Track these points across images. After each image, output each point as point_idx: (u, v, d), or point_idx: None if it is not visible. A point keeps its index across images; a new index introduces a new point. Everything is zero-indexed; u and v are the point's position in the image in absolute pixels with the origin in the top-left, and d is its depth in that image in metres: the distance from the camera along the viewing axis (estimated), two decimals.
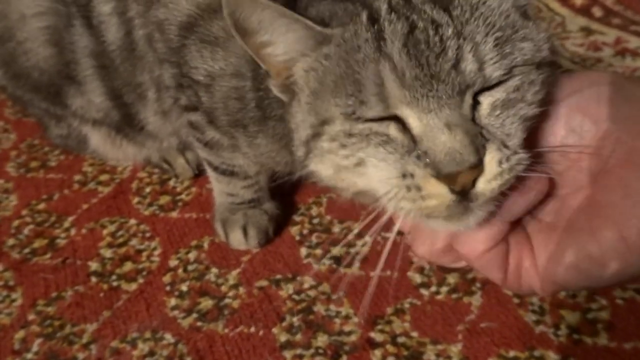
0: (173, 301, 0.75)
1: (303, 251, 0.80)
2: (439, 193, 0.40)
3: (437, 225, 0.43)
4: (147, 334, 0.71)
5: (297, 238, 0.82)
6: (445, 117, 0.40)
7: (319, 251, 0.79)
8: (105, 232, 0.87)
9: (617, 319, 0.66)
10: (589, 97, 0.43)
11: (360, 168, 0.44)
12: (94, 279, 0.80)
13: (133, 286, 0.78)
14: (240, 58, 0.61)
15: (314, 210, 0.86)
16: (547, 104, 0.44)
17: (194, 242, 0.83)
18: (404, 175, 0.41)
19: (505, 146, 0.41)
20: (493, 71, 0.41)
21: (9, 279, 0.81)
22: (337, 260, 0.77)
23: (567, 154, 0.44)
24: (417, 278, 0.74)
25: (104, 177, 0.98)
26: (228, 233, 0.80)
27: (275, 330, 0.70)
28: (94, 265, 0.82)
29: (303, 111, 0.47)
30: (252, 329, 0.70)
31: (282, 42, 0.46)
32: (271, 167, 0.74)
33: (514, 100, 0.42)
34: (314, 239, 0.81)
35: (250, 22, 0.44)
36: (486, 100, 0.42)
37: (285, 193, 0.87)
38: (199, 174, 0.94)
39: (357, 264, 0.76)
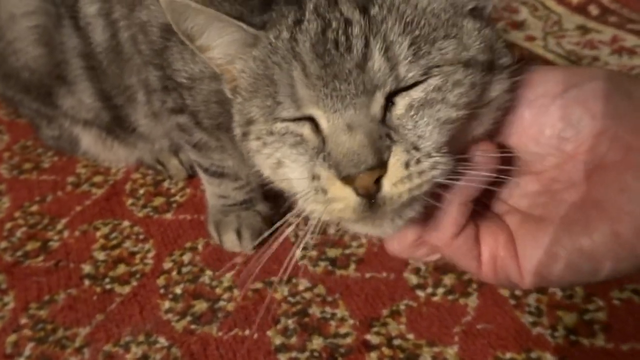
0: (167, 304, 0.75)
1: (298, 253, 0.79)
2: (343, 196, 0.39)
3: (356, 228, 0.42)
4: (141, 338, 0.71)
5: (292, 240, 0.81)
6: (349, 117, 0.39)
7: (314, 253, 0.79)
8: (98, 234, 0.87)
9: (615, 320, 0.66)
10: (588, 92, 0.42)
11: (280, 169, 0.44)
12: (87, 282, 0.79)
13: (126, 289, 0.77)
14: None
15: None
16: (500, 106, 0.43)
17: (188, 244, 0.83)
18: (313, 177, 0.40)
19: (416, 148, 0.39)
20: (407, 71, 0.40)
21: (1, 282, 0.80)
22: (333, 262, 0.77)
23: (563, 147, 0.43)
24: (413, 279, 0.73)
25: (97, 179, 0.97)
26: (221, 235, 0.80)
27: (270, 333, 0.69)
28: (87, 268, 0.81)
29: (235, 111, 0.48)
30: (247, 332, 0.70)
31: (218, 45, 0.47)
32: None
33: (433, 101, 0.40)
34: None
35: (190, 27, 0.45)
36: (402, 100, 0.40)
37: (279, 193, 0.86)
38: (192, 174, 0.93)
39: (352, 266, 0.76)
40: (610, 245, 0.39)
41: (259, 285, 0.75)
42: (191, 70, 0.64)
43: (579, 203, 0.42)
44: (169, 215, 0.88)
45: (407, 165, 0.38)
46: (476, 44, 0.42)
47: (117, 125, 0.88)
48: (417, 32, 0.40)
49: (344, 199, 0.39)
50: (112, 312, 0.74)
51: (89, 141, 0.94)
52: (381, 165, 0.38)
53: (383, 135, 0.39)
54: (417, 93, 0.40)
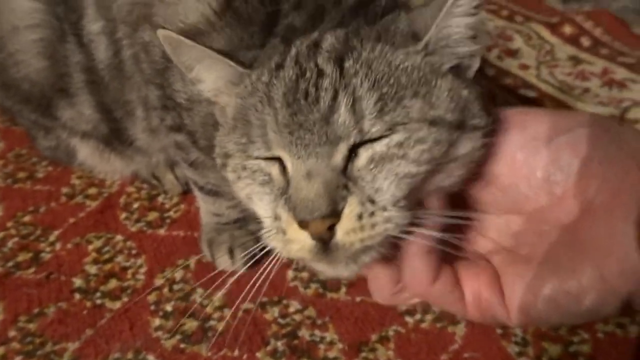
0: (157, 321, 0.75)
1: (290, 274, 0.80)
2: (299, 239, 0.41)
3: (316, 267, 0.44)
4: (130, 355, 0.71)
5: (284, 261, 0.82)
6: (310, 165, 0.41)
7: (305, 274, 0.79)
8: (91, 247, 0.87)
9: (599, 352, 0.67)
10: (578, 137, 0.44)
11: (251, 203, 0.47)
12: (77, 296, 0.79)
13: (117, 304, 0.78)
14: None
15: None
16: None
17: (180, 261, 0.83)
18: (275, 217, 0.43)
19: (372, 201, 0.41)
20: (371, 126, 0.41)
21: None
22: (324, 284, 0.78)
23: (552, 190, 0.45)
24: (402, 305, 0.74)
25: (92, 191, 0.98)
26: (214, 254, 0.80)
27: (259, 354, 0.70)
28: (78, 282, 0.81)
29: (217, 142, 0.50)
30: (236, 353, 0.70)
31: (207, 78, 0.50)
32: None
33: (394, 156, 0.42)
34: (301, 262, 0.81)
35: (184, 60, 0.49)
36: (365, 153, 0.42)
37: None
38: (187, 190, 0.94)
39: (343, 289, 0.77)
40: (597, 288, 0.40)
41: (250, 305, 0.76)
42: (190, 92, 0.65)
43: (567, 244, 0.43)
44: (162, 231, 0.89)
45: (360, 217, 0.40)
46: (445, 104, 0.43)
47: (115, 137, 0.88)
48: (385, 89, 0.42)
49: (300, 241, 0.41)
50: (102, 328, 0.75)
51: (86, 152, 0.95)
52: (334, 215, 0.40)
53: (341, 186, 0.41)
54: (379, 147, 0.42)
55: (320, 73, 0.43)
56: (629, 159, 0.42)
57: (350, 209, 0.40)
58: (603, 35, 1.21)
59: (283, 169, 0.44)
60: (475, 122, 0.44)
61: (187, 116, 0.68)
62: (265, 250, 0.50)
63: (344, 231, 0.40)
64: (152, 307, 0.77)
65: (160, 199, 0.95)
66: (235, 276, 0.79)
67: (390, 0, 0.56)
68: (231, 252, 0.79)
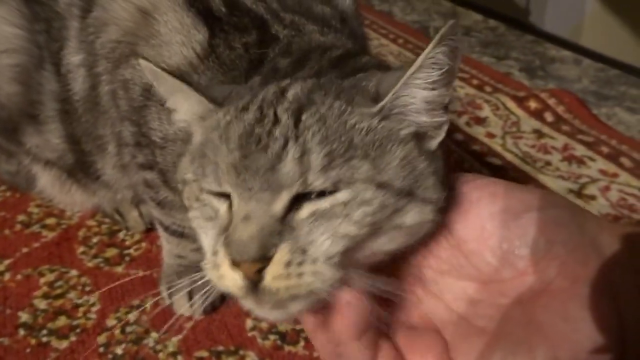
0: None
1: (249, 323, 0.78)
2: (231, 276, 0.42)
3: (247, 305, 0.44)
4: None
5: (244, 309, 0.80)
6: (249, 208, 0.42)
7: (264, 325, 0.78)
8: (42, 280, 0.83)
9: None
10: (548, 218, 0.45)
11: (198, 232, 0.48)
12: (22, 332, 0.75)
13: (64, 344, 0.74)
14: None
15: None
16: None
17: (136, 302, 0.80)
18: (214, 252, 0.44)
19: (303, 252, 0.41)
20: (315, 179, 0.42)
21: None
22: (283, 336, 0.76)
23: (515, 263, 0.46)
24: None
25: (50, 221, 0.95)
26: (173, 297, 0.78)
27: None
28: (24, 316, 0.77)
29: (179, 168, 0.52)
30: None
31: (180, 109, 0.51)
32: None
33: (335, 214, 0.42)
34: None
35: (162, 90, 0.51)
36: (308, 207, 0.42)
37: None
38: (151, 227, 0.92)
39: (302, 343, 0.75)
40: None
41: (204, 353, 0.74)
42: (166, 131, 0.65)
43: (523, 321, 0.44)
44: (120, 269, 0.86)
45: (288, 264, 0.41)
46: (394, 171, 0.44)
47: (80, 169, 0.86)
48: (334, 146, 0.42)
49: (231, 279, 0.42)
50: None
51: (46, 181, 0.92)
52: (264, 259, 0.41)
53: (275, 232, 0.42)
54: (323, 204, 0.42)
55: (276, 121, 0.44)
56: (590, 247, 0.44)
57: (280, 255, 0.41)
58: (565, 113, 1.28)
59: (230, 207, 0.44)
60: (426, 195, 0.44)
61: (160, 154, 0.67)
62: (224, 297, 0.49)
63: (271, 276, 0.41)
64: (101, 349, 0.73)
65: (121, 235, 0.93)
66: (193, 321, 0.77)
67: (374, 59, 0.59)
68: (190, 297, 0.77)
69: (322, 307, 0.44)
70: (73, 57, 0.75)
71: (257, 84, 0.52)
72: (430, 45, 0.42)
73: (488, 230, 0.46)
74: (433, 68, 0.43)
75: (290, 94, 0.46)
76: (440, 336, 0.47)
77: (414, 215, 0.44)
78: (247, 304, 0.44)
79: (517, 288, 0.45)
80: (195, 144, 0.50)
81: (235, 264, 0.41)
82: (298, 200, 0.42)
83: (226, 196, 0.45)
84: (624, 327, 0.42)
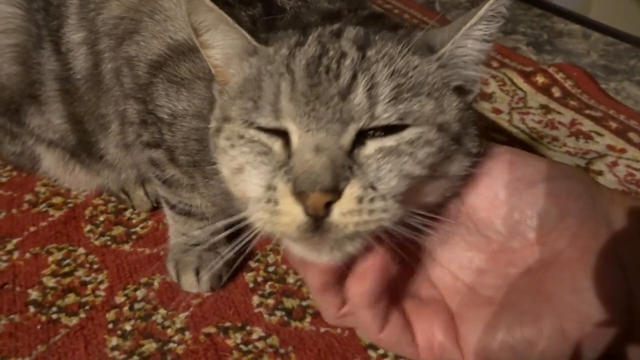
0: (114, 341, 0.72)
1: (255, 299, 0.79)
2: (291, 211, 0.40)
3: (296, 249, 0.43)
4: None
5: (251, 285, 0.81)
6: (319, 139, 0.41)
7: (271, 301, 0.78)
8: (50, 259, 0.84)
9: None
10: (562, 188, 0.45)
11: (240, 175, 0.45)
12: (32, 309, 0.76)
13: (73, 320, 0.75)
14: (203, 100, 0.62)
15: (271, 258, 0.85)
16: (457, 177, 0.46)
17: (143, 279, 0.81)
18: (269, 187, 0.42)
19: (373, 188, 0.41)
20: (383, 112, 0.42)
21: None
22: (289, 312, 0.77)
23: (526, 233, 0.46)
24: (366, 338, 0.74)
25: (56, 200, 0.95)
26: (180, 274, 0.79)
27: None
28: (34, 294, 0.78)
29: (217, 106, 0.50)
30: None
31: (220, 45, 0.49)
32: (227, 208, 0.73)
33: (402, 153, 0.42)
34: (267, 287, 0.81)
35: (199, 22, 0.48)
36: (373, 143, 0.42)
37: (244, 238, 0.86)
38: (157, 206, 0.92)
39: (308, 319, 0.76)
40: (556, 340, 0.41)
41: (212, 329, 0.74)
42: (174, 107, 0.65)
43: (530, 292, 0.44)
44: (127, 247, 0.87)
45: (360, 200, 0.40)
46: (451, 115, 0.45)
47: (83, 149, 0.86)
48: (402, 81, 0.43)
49: (291, 214, 0.40)
50: (55, 345, 0.72)
51: (50, 162, 0.92)
52: (336, 192, 0.40)
53: (345, 166, 0.41)
54: (390, 141, 0.43)
55: (343, 54, 0.44)
56: (601, 219, 0.44)
57: (352, 190, 0.40)
58: (573, 88, 1.26)
59: (285, 142, 0.43)
60: (469, 145, 0.46)
61: (168, 131, 0.67)
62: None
63: (341, 211, 0.40)
64: (110, 326, 0.74)
65: (127, 213, 0.93)
66: (200, 298, 0.78)
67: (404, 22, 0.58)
68: (197, 274, 0.78)
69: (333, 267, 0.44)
70: (73, 35, 0.74)
71: (294, 32, 0.50)
72: None
73: (500, 198, 0.46)
74: (491, 20, 0.44)
75: (347, 34, 0.46)
76: (446, 306, 0.47)
77: (458, 165, 0.45)
78: (296, 247, 0.43)
79: (526, 258, 0.45)
80: (237, 81, 0.48)
81: (303, 197, 0.39)
82: (361, 137, 0.42)
83: (279, 133, 0.43)
84: (632, 299, 0.42)
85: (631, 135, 1.11)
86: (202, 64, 0.61)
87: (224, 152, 0.47)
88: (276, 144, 0.44)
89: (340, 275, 0.45)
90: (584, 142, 1.10)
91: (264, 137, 0.44)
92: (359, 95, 0.42)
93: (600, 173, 1.02)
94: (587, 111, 1.19)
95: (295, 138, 0.43)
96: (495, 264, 0.47)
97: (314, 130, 0.41)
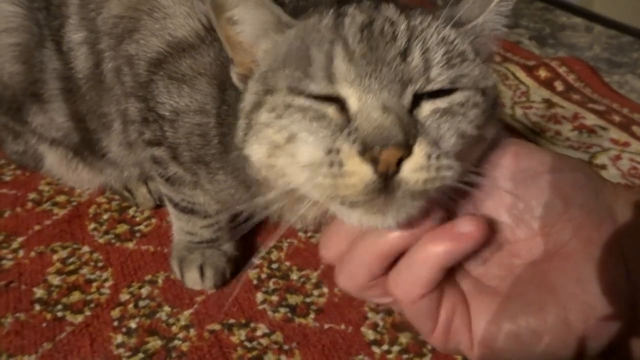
0: (120, 338, 0.73)
1: (259, 296, 0.79)
2: (360, 171, 0.39)
3: (352, 216, 0.42)
4: None
5: (255, 282, 0.81)
6: (383, 99, 0.42)
7: (275, 298, 0.79)
8: (55, 257, 0.84)
9: None
10: (567, 180, 0.45)
11: (290, 145, 0.44)
12: (37, 307, 0.77)
13: (79, 318, 0.75)
14: (205, 95, 0.62)
15: (274, 255, 0.86)
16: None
17: (148, 277, 0.81)
18: (329, 151, 0.41)
19: (437, 146, 0.42)
20: (438, 75, 0.43)
21: None
22: (293, 309, 0.77)
23: (531, 224, 0.46)
24: (370, 334, 0.74)
25: (60, 198, 0.95)
26: (184, 272, 0.79)
27: None
28: (39, 292, 0.79)
29: (254, 82, 0.49)
30: None
31: (250, 21, 0.48)
32: (231, 205, 0.74)
33: (456, 113, 0.44)
34: (271, 284, 0.81)
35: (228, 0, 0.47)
36: (427, 105, 0.43)
37: (246, 235, 0.86)
38: (160, 204, 0.93)
39: (312, 315, 0.76)
40: (560, 330, 0.41)
41: (216, 326, 0.75)
42: (176, 104, 0.65)
43: (535, 282, 0.44)
44: (131, 245, 0.87)
45: (429, 156, 0.40)
46: (491, 80, 0.47)
47: (86, 147, 0.86)
48: (450, 47, 0.45)
49: (359, 174, 0.39)
50: (60, 342, 0.72)
51: (53, 160, 0.92)
52: (407, 147, 0.40)
53: (411, 124, 0.42)
54: (442, 103, 0.44)
55: (392, 22, 0.45)
56: (605, 211, 0.44)
57: (421, 147, 0.40)
58: (576, 82, 1.26)
59: (340, 107, 0.43)
60: (497, 112, 0.48)
61: (170, 128, 0.67)
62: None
63: (411, 167, 0.39)
64: (115, 323, 0.75)
65: (131, 211, 0.93)
66: (204, 295, 0.78)
67: None
68: (201, 271, 0.78)
69: None
70: (74, 35, 0.74)
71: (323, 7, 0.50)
72: None
73: (506, 189, 0.46)
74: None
75: (385, 6, 0.48)
76: (460, 289, 0.47)
77: (493, 129, 0.46)
78: (359, 212, 0.41)
79: (531, 249, 0.45)
80: (279, 54, 0.47)
81: (372, 155, 0.39)
82: (416, 99, 0.43)
83: (331, 99, 0.43)
84: (636, 292, 0.42)
85: (635, 128, 1.11)
86: (203, 60, 0.61)
87: (267, 125, 0.45)
88: (330, 109, 0.43)
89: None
90: (587, 136, 1.10)
91: (315, 104, 0.43)
92: (416, 58, 0.43)
93: (603, 167, 1.02)
94: (590, 105, 1.18)
95: (353, 100, 0.43)
96: (500, 254, 0.47)
97: (377, 91, 0.42)
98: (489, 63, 0.49)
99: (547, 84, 1.25)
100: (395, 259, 0.44)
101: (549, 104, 1.20)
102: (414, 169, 0.40)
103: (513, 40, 1.48)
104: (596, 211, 0.44)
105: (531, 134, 1.11)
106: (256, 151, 0.47)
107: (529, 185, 0.45)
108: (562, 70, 1.28)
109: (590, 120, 1.14)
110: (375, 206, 0.40)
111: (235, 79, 0.52)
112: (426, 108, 0.43)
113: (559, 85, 1.25)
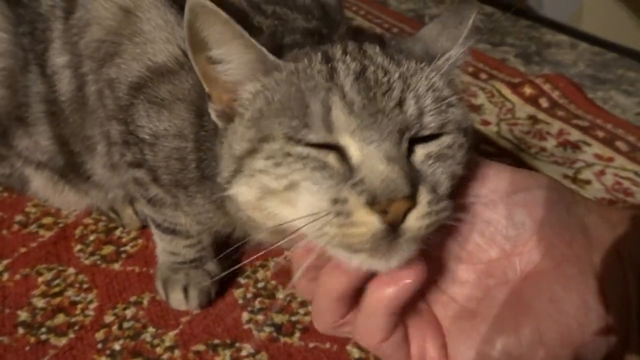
0: None
1: (245, 316, 0.79)
2: (368, 221, 0.40)
3: (355, 260, 0.42)
4: None
5: (240, 302, 0.81)
6: (386, 149, 0.42)
7: (260, 317, 0.79)
8: (40, 279, 0.84)
9: None
10: (535, 198, 0.46)
11: (289, 192, 0.44)
12: (21, 330, 0.76)
13: (63, 341, 0.75)
14: (183, 120, 0.63)
15: (260, 274, 0.85)
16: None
17: (133, 298, 0.81)
18: (335, 201, 0.42)
19: (435, 192, 0.43)
20: (430, 121, 0.45)
21: None
22: (278, 328, 0.77)
23: (502, 244, 0.46)
24: (355, 353, 0.74)
25: (47, 220, 0.95)
26: (168, 292, 0.79)
27: None
28: (23, 315, 0.78)
29: (243, 127, 0.48)
30: None
31: (235, 62, 0.47)
32: (211, 226, 0.74)
33: (446, 156, 0.45)
34: (257, 304, 0.81)
35: (209, 35, 0.45)
36: (421, 150, 0.45)
37: (232, 254, 0.86)
38: (147, 225, 0.93)
39: (297, 334, 0.76)
40: (536, 351, 0.41)
41: (201, 347, 0.74)
42: (155, 128, 0.66)
43: (511, 304, 0.44)
44: (117, 266, 0.87)
45: (430, 203, 0.42)
46: (468, 118, 0.49)
47: (71, 170, 0.87)
48: (436, 93, 0.46)
49: (367, 224, 0.40)
50: None
51: (39, 183, 0.92)
52: (413, 198, 0.41)
53: (413, 172, 0.43)
54: (433, 147, 0.45)
55: (385, 69, 0.46)
56: (577, 228, 0.44)
57: (424, 195, 0.41)
58: (560, 98, 1.27)
59: (340, 156, 0.43)
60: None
61: (149, 151, 0.68)
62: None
63: (416, 216, 0.41)
64: (99, 346, 0.74)
65: (117, 232, 0.93)
66: (189, 316, 0.78)
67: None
68: (186, 291, 0.78)
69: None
70: (58, 59, 0.75)
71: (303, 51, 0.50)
72: (474, 13, 0.49)
73: (476, 212, 0.47)
74: (471, 33, 0.49)
75: (372, 50, 0.49)
76: (435, 317, 0.47)
77: (469, 162, 0.48)
78: (361, 257, 0.42)
79: (505, 269, 0.46)
80: (271, 97, 0.46)
81: (380, 206, 0.40)
82: (410, 144, 0.45)
83: (329, 147, 0.43)
84: (608, 309, 0.42)
85: (618, 144, 1.12)
86: (182, 86, 0.62)
87: (263, 172, 0.45)
88: (329, 157, 0.43)
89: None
90: (571, 151, 1.11)
91: (314, 152, 0.44)
92: (412, 107, 0.44)
93: (588, 182, 1.03)
94: (575, 121, 1.20)
95: (354, 150, 0.43)
96: (476, 275, 0.48)
97: (378, 142, 0.42)
98: (462, 95, 0.50)
99: (532, 101, 1.27)
100: (355, 296, 0.45)
101: (534, 120, 1.21)
102: (418, 218, 0.41)
103: (499, 58, 1.50)
104: (567, 230, 0.44)
105: (516, 150, 1.12)
106: (245, 194, 0.47)
107: (499, 206, 0.46)
108: (546, 87, 1.30)
109: (575, 136, 1.15)
110: (379, 252, 0.42)
111: (213, 115, 0.51)
112: (420, 153, 0.45)
113: (543, 102, 1.26)
